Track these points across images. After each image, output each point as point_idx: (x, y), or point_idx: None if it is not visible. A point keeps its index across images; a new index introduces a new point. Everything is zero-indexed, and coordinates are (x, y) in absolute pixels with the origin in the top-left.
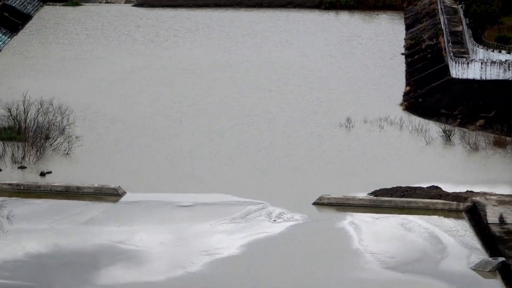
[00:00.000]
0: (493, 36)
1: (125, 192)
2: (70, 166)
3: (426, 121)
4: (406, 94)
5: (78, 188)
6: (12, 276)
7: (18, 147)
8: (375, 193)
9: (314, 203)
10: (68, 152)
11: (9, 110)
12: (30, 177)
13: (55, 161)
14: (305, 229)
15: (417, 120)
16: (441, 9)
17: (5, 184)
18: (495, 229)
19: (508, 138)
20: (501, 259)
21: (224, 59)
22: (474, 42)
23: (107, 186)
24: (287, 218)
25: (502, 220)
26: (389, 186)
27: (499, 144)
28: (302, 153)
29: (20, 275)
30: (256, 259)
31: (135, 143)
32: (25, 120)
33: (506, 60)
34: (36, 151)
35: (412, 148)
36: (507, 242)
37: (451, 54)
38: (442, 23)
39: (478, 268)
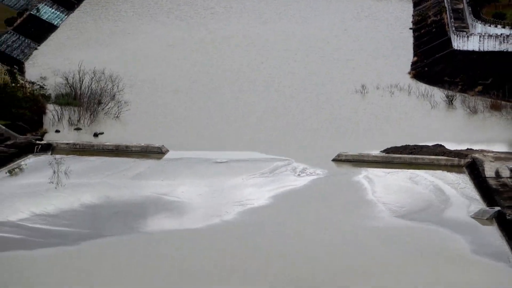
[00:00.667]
0: (490, 12)
1: (168, 150)
2: (119, 127)
3: (431, 87)
4: (413, 64)
5: (126, 147)
6: (69, 224)
7: (74, 111)
8: (387, 150)
9: (333, 160)
10: (118, 116)
11: (66, 79)
12: (85, 137)
13: (106, 123)
14: (325, 182)
15: (423, 86)
16: None
17: (63, 143)
18: (491, 182)
19: (503, 102)
20: (497, 208)
21: (254, 34)
22: (474, 18)
23: (152, 145)
24: (310, 172)
25: (498, 174)
26: (399, 145)
27: (495, 107)
28: (322, 115)
29: (76, 223)
30: (282, 209)
31: (177, 107)
32: (80, 87)
33: (501, 34)
34: (90, 115)
35: (419, 111)
36: (502, 193)
37: (453, 28)
38: (445, 1)
39: (477, 216)
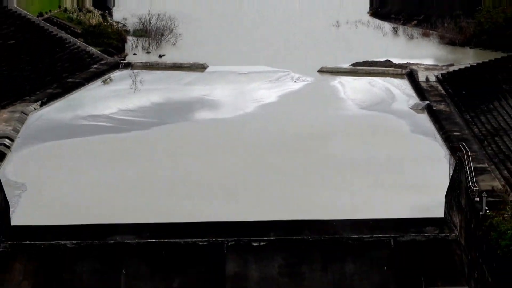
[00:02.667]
0: None
1: (208, 66)
2: (176, 51)
3: (383, 22)
4: (370, 6)
5: (180, 64)
6: (143, 116)
7: (145, 40)
8: (354, 64)
9: (318, 71)
10: (175, 43)
11: (140, 19)
12: (153, 58)
13: (167, 48)
14: (313, 86)
15: (377, 21)
16: None
17: (138, 62)
18: (423, 85)
19: (430, 31)
20: (427, 102)
21: None
22: None
23: (197, 63)
24: (302, 80)
25: (427, 79)
26: (361, 60)
27: (425, 35)
28: (310, 41)
29: (148, 115)
30: (285, 104)
31: (214, 37)
32: (149, 24)
33: None
34: (156, 43)
35: (375, 37)
36: (430, 92)
37: None
38: None
39: (413, 108)
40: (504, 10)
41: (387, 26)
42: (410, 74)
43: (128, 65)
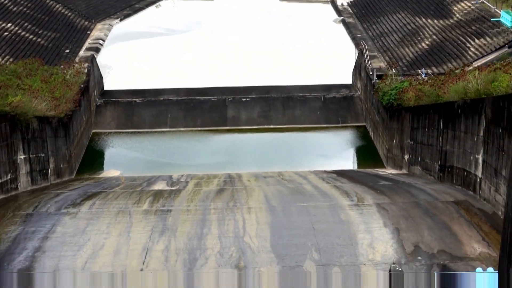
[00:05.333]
0: None
1: None
2: None
3: None
4: None
5: None
6: (174, 25)
7: None
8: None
9: (279, 0)
10: None
11: None
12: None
13: None
14: (276, 10)
15: None
16: None
17: None
18: (340, 8)
19: None
20: (342, 17)
21: None
22: None
23: None
24: (269, 6)
25: (342, 4)
26: None
27: None
28: None
29: (182, 25)
30: (261, 21)
31: None
32: None
33: None
34: None
35: None
36: (344, 12)
37: None
38: None
39: (334, 21)
40: None
41: None
42: (332, 1)
43: None
